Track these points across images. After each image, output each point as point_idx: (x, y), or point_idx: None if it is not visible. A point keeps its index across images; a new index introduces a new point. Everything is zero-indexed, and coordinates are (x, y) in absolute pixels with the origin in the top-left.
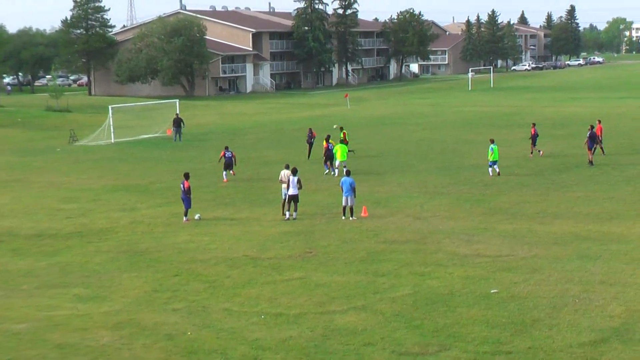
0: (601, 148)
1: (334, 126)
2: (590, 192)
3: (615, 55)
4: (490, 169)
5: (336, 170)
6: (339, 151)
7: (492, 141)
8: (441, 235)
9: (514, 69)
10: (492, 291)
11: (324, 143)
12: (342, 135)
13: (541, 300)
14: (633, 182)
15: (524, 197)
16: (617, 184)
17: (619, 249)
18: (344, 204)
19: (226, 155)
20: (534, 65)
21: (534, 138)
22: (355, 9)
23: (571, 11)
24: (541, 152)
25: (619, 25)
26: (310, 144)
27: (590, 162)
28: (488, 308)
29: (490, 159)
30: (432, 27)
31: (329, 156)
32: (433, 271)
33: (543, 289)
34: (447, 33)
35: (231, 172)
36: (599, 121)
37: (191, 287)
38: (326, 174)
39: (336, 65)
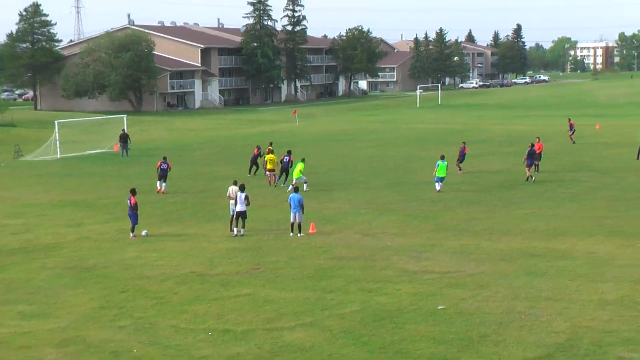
0: (536, 165)
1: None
2: (537, 209)
3: (561, 74)
4: (437, 185)
5: (290, 186)
6: (297, 168)
7: (442, 157)
8: (390, 252)
9: (462, 87)
10: (439, 307)
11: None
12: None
13: (488, 317)
14: (578, 199)
15: (472, 213)
16: (562, 201)
17: (564, 265)
18: (292, 220)
19: (162, 167)
20: (481, 83)
21: (462, 156)
22: (304, 25)
23: (517, 30)
24: (460, 171)
25: (564, 45)
26: (254, 160)
27: (528, 179)
28: (435, 324)
29: (436, 174)
30: (380, 44)
31: (285, 169)
32: (381, 287)
33: (490, 305)
34: (396, 50)
35: (162, 187)
36: (539, 139)
37: (138, 304)
38: (275, 185)
39: (285, 81)
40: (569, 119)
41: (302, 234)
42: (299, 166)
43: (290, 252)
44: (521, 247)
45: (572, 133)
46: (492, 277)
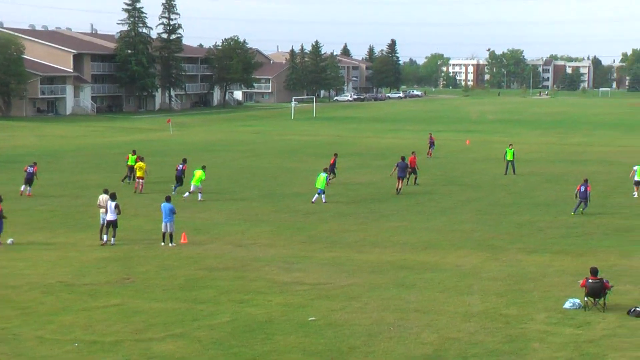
0: (415, 178)
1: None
2: (407, 222)
3: (434, 89)
4: (316, 196)
5: (187, 193)
6: (196, 176)
7: (325, 170)
8: (261, 263)
9: (337, 100)
10: (310, 319)
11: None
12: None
13: (358, 328)
14: (447, 213)
15: (344, 225)
16: (432, 215)
17: (433, 277)
18: (163, 230)
19: (27, 170)
20: (355, 97)
21: (332, 167)
22: (180, 34)
23: (392, 45)
24: (330, 181)
25: (437, 61)
26: (130, 168)
27: (398, 191)
28: (305, 336)
29: (316, 186)
30: (256, 55)
31: (178, 177)
32: (252, 299)
33: (360, 316)
34: (272, 62)
35: (28, 190)
36: (414, 153)
37: (2, 314)
38: (174, 193)
39: (159, 90)
40: (430, 134)
41: (173, 244)
42: (198, 173)
43: (161, 262)
44: (392, 260)
45: (431, 148)
46: (363, 289)
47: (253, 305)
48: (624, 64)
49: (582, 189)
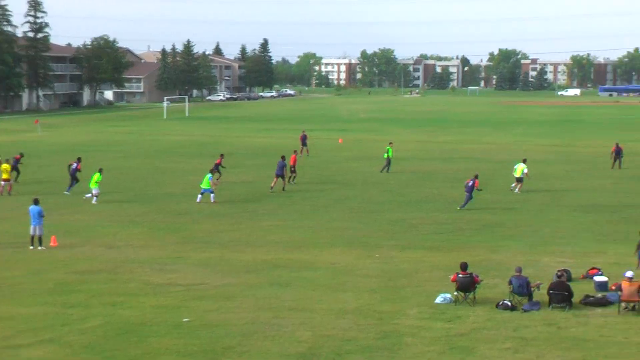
0: (293, 177)
1: None
2: (281, 220)
3: (307, 88)
4: (199, 196)
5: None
6: (93, 179)
7: (211, 170)
8: (134, 265)
9: (209, 99)
10: (184, 320)
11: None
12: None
13: (233, 328)
14: (321, 211)
15: (218, 225)
16: (306, 213)
17: (307, 276)
18: (31, 233)
19: None
20: (228, 96)
21: (217, 167)
22: (47, 32)
23: (264, 44)
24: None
25: (309, 60)
26: (15, 168)
27: (272, 188)
28: (180, 337)
29: (201, 185)
30: (127, 54)
31: (72, 175)
32: (125, 301)
33: (235, 316)
34: (143, 61)
35: None
36: (295, 152)
37: None
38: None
39: (26, 90)
40: (303, 131)
41: (42, 247)
42: (95, 176)
43: (29, 266)
44: (266, 259)
45: (304, 147)
46: (237, 289)
47: (126, 307)
48: (491, 63)
49: (471, 183)
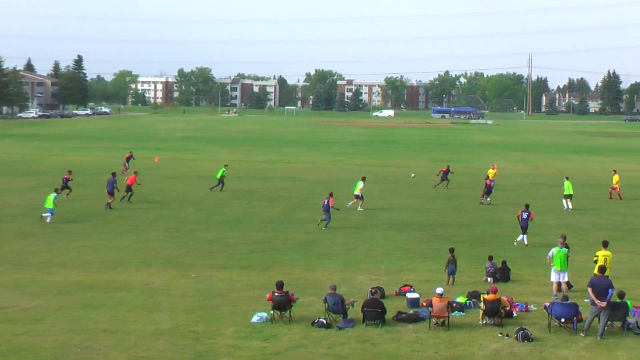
0: (130, 196)
1: None
2: (96, 241)
3: (123, 106)
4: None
5: None
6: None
7: (56, 190)
8: None
9: (21, 116)
10: None
11: None
12: None
13: (43, 352)
14: (137, 231)
15: (28, 247)
16: (121, 233)
17: (122, 296)
18: None
19: None
20: (41, 113)
21: (66, 182)
22: None
23: (79, 61)
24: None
25: (125, 78)
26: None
27: (108, 205)
28: None
29: (45, 205)
30: None
31: None
32: None
33: (45, 339)
34: None
35: None
36: (135, 172)
37: None
38: None
39: None
40: (130, 151)
41: None
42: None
43: None
44: (79, 280)
45: (127, 167)
46: (48, 311)
47: None
48: (308, 84)
49: (326, 202)
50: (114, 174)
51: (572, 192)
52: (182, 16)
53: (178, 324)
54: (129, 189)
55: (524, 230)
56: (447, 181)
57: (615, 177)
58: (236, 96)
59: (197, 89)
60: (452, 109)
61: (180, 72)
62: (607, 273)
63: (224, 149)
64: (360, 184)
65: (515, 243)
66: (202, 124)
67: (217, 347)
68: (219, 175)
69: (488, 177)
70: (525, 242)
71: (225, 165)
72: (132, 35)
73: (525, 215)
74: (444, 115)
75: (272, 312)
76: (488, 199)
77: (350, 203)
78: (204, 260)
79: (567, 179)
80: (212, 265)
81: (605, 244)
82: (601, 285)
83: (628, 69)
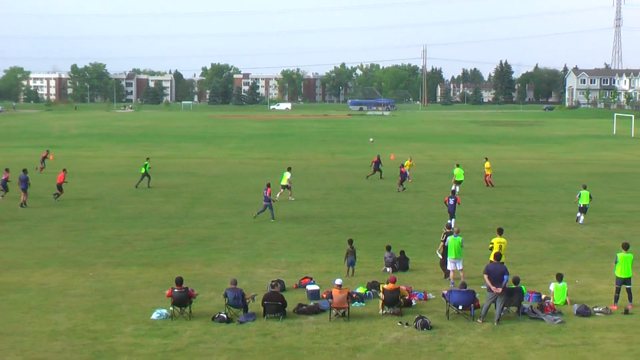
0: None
1: None
2: None
3: (15, 104)
4: None
5: None
6: None
7: None
8: None
9: None
10: None
11: None
12: None
13: None
14: (32, 231)
15: None
16: (15, 233)
17: (17, 298)
18: None
19: None
20: None
21: (4, 183)
22: None
23: None
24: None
25: (16, 75)
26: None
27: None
28: None
29: None
30: None
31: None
32: None
33: None
34: None
35: None
36: (64, 170)
37: None
38: None
39: None
40: (48, 151)
41: None
42: None
43: None
44: None
45: (43, 165)
46: None
47: None
48: (204, 78)
49: (265, 193)
50: (25, 171)
51: (462, 179)
52: (75, 11)
53: (76, 324)
54: (59, 187)
55: (452, 215)
56: (379, 172)
57: (487, 164)
58: (132, 92)
59: (91, 85)
60: (371, 101)
61: (74, 68)
62: (502, 260)
63: (120, 145)
64: (288, 174)
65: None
66: (98, 121)
67: (116, 346)
68: (142, 171)
69: (403, 165)
70: (452, 225)
71: (148, 159)
72: (23, 31)
73: (452, 201)
74: (362, 107)
75: (172, 308)
76: (403, 187)
77: (278, 195)
78: (102, 259)
79: (458, 166)
80: (110, 263)
81: (500, 231)
82: (496, 272)
83: (519, 59)
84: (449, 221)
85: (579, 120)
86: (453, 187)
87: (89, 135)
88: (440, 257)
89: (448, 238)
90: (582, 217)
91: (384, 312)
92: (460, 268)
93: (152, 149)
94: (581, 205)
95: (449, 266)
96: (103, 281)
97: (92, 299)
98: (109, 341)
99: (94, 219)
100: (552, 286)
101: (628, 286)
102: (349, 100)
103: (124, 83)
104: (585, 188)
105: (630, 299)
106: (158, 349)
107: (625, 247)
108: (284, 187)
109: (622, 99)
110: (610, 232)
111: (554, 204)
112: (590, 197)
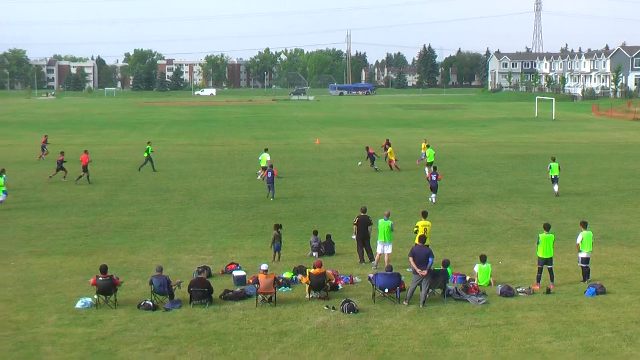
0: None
1: None
2: None
3: None
4: None
5: None
6: None
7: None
8: None
9: None
10: None
11: None
12: None
13: None
14: None
15: None
16: None
17: None
18: None
19: None
20: None
21: None
22: None
23: None
24: None
25: None
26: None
27: None
28: None
29: None
30: None
31: None
32: None
33: None
34: None
35: None
36: (86, 151)
37: None
38: None
39: None
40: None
41: None
42: None
43: None
44: None
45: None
46: None
47: None
48: (127, 64)
49: (269, 174)
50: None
51: (432, 160)
52: None
53: None
54: (85, 169)
55: (434, 190)
56: (371, 160)
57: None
58: (53, 78)
59: (11, 72)
60: (351, 85)
61: None
62: (427, 242)
63: (41, 133)
64: (267, 156)
65: (431, 200)
66: (17, 108)
67: (39, 336)
68: (145, 155)
69: (368, 148)
70: (434, 200)
71: (149, 143)
72: None
73: (434, 177)
74: (342, 92)
75: (96, 296)
76: (375, 167)
77: (259, 176)
78: (24, 248)
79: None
80: (32, 252)
81: (424, 214)
82: (421, 255)
83: (442, 43)
84: (431, 195)
85: (501, 104)
86: (428, 165)
87: (8, 123)
88: (356, 240)
89: (379, 220)
90: (555, 187)
91: (310, 296)
92: (389, 252)
93: (73, 136)
94: (552, 177)
95: (378, 249)
96: (25, 271)
97: (14, 289)
98: (31, 331)
99: (14, 208)
100: (476, 267)
101: (550, 266)
102: (330, 85)
103: (45, 70)
104: (554, 160)
105: (552, 278)
106: (82, 338)
107: (547, 227)
108: (264, 168)
109: (543, 82)
110: (531, 214)
111: (476, 186)
112: (559, 168)
